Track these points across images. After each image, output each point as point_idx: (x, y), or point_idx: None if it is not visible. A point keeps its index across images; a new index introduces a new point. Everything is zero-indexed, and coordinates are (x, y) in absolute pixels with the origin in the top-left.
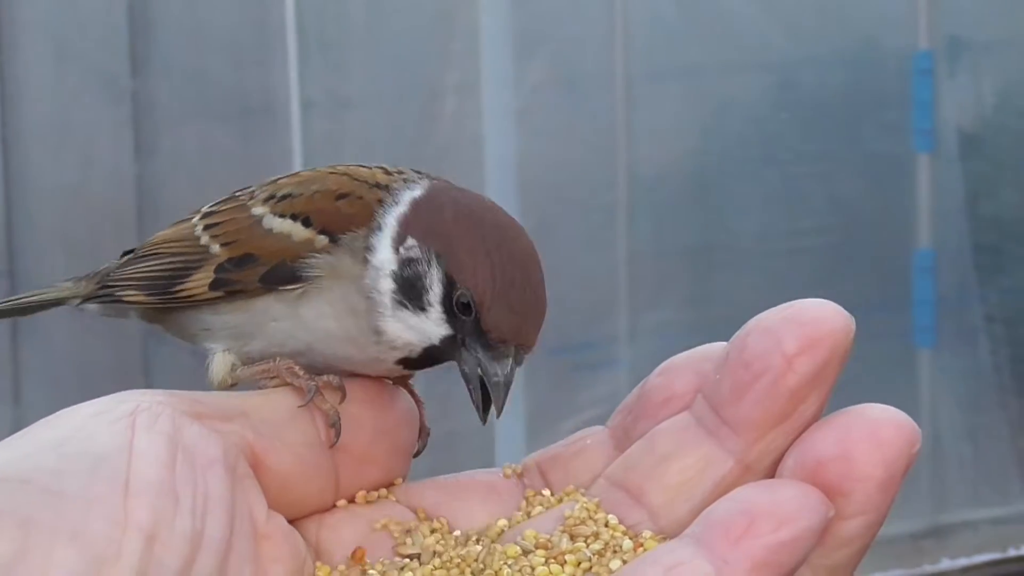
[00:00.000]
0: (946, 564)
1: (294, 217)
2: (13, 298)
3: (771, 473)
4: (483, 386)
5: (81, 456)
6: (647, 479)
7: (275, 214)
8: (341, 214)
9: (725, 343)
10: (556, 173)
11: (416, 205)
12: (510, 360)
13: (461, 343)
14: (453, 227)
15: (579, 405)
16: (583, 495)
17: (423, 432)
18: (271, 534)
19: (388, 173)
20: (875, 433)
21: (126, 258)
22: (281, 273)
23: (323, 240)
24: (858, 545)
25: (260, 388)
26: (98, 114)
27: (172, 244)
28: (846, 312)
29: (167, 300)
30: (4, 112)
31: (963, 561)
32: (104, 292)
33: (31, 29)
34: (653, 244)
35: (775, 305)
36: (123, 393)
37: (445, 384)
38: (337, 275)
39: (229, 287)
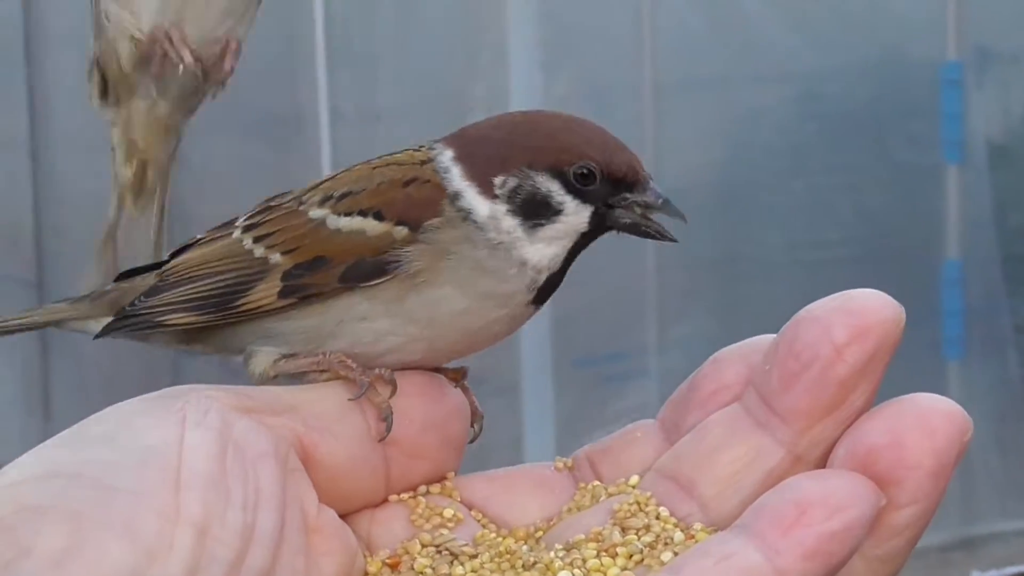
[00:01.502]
0: None
1: (363, 213)
2: (1, 319)
3: (822, 464)
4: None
5: (131, 450)
6: (697, 471)
7: (339, 214)
8: (413, 201)
9: (774, 335)
10: None
11: (461, 157)
12: (650, 183)
13: (608, 207)
14: (510, 141)
15: (608, 416)
16: (634, 487)
17: (476, 416)
18: (322, 528)
19: (418, 149)
20: (926, 421)
21: (141, 281)
22: (363, 269)
23: (402, 231)
24: (910, 534)
25: (306, 382)
26: None
27: (219, 262)
28: (896, 302)
29: (225, 316)
30: (33, 123)
31: (992, 573)
32: (134, 320)
33: (60, 41)
34: (681, 255)
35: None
36: (172, 388)
37: (478, 397)
38: (442, 255)
39: (302, 292)
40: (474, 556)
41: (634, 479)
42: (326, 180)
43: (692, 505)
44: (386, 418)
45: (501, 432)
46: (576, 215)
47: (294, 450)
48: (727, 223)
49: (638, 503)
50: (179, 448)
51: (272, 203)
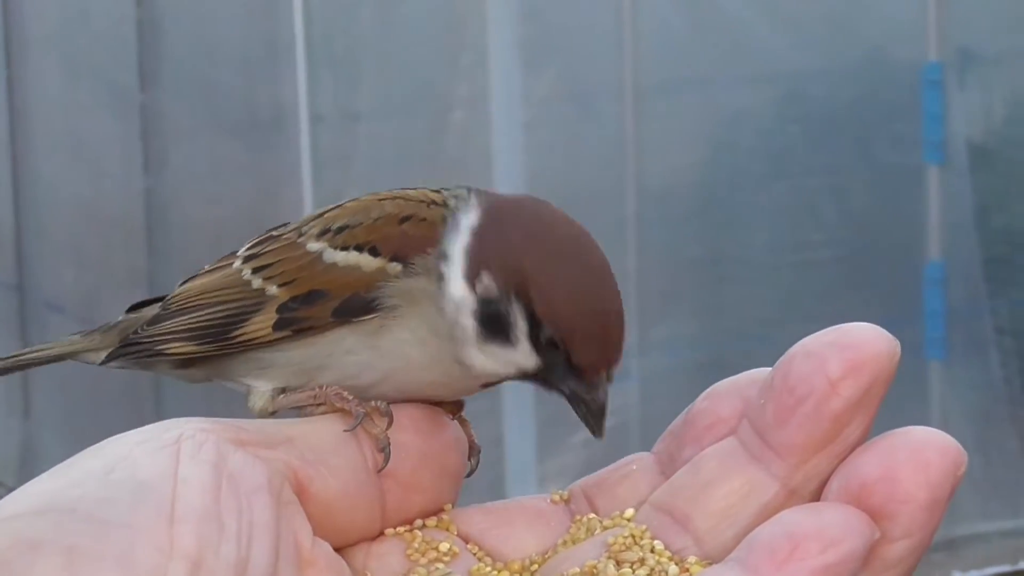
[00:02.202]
0: None
1: (359, 248)
2: (16, 354)
3: (816, 497)
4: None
5: (126, 484)
6: (692, 504)
7: (336, 247)
8: (408, 237)
9: (770, 368)
10: (565, 185)
11: (478, 233)
12: (604, 384)
13: (553, 371)
14: (523, 257)
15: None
16: (629, 520)
17: (474, 450)
18: (316, 561)
19: (436, 191)
20: (919, 455)
21: (147, 311)
22: (355, 304)
23: (396, 267)
24: (903, 568)
25: (304, 415)
26: (108, 128)
27: (217, 293)
28: (890, 336)
29: (222, 347)
30: (14, 126)
31: (974, 574)
32: (135, 349)
33: (41, 43)
34: (662, 257)
35: (785, 318)
36: (167, 422)
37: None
38: (414, 301)
39: (297, 325)
40: None
41: (629, 512)
42: (330, 209)
43: (687, 539)
44: (383, 449)
45: (482, 433)
46: (525, 358)
47: (289, 483)
48: (709, 224)
49: (633, 536)
50: (173, 482)
51: (275, 232)
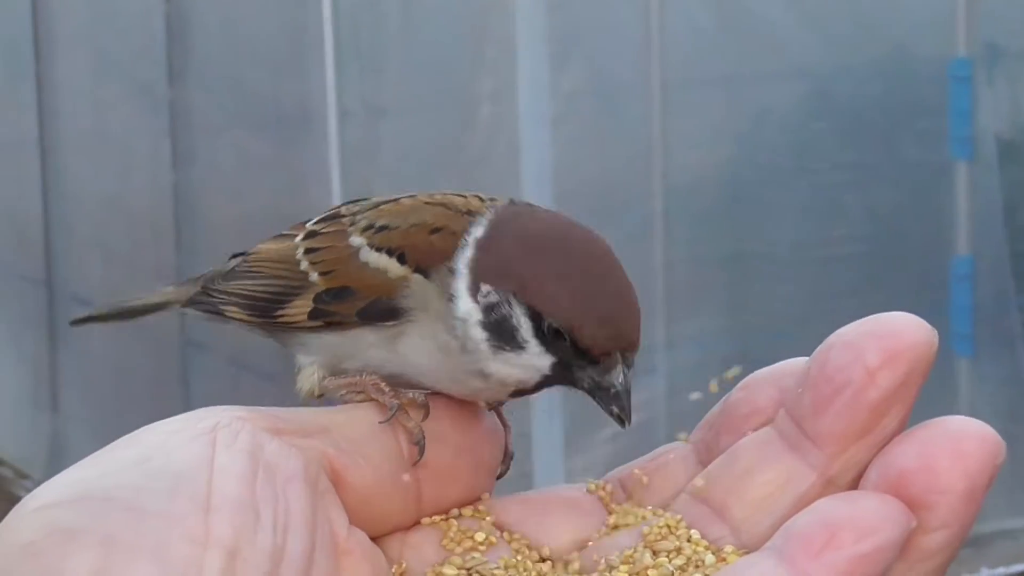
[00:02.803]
0: (985, 574)
1: (390, 252)
2: (118, 301)
3: (853, 487)
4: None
5: (162, 473)
6: (729, 494)
7: (372, 247)
8: (433, 249)
9: (807, 358)
10: (592, 181)
11: (480, 245)
12: (619, 367)
13: (569, 366)
14: (518, 260)
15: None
16: (665, 510)
17: (507, 456)
18: (352, 550)
19: (482, 200)
20: (957, 445)
21: (232, 263)
22: (378, 309)
23: (418, 278)
24: (941, 558)
25: (344, 402)
26: (136, 123)
27: (274, 265)
28: (928, 325)
29: (266, 322)
30: (42, 122)
31: (1001, 570)
32: (206, 301)
33: (69, 40)
34: (689, 252)
35: (811, 314)
36: (203, 410)
37: None
38: (427, 313)
39: (327, 318)
40: None
41: (664, 503)
42: (386, 202)
43: (723, 528)
44: (418, 442)
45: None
46: (538, 359)
47: (324, 472)
48: (735, 220)
49: (668, 526)
50: (209, 471)
51: (342, 210)
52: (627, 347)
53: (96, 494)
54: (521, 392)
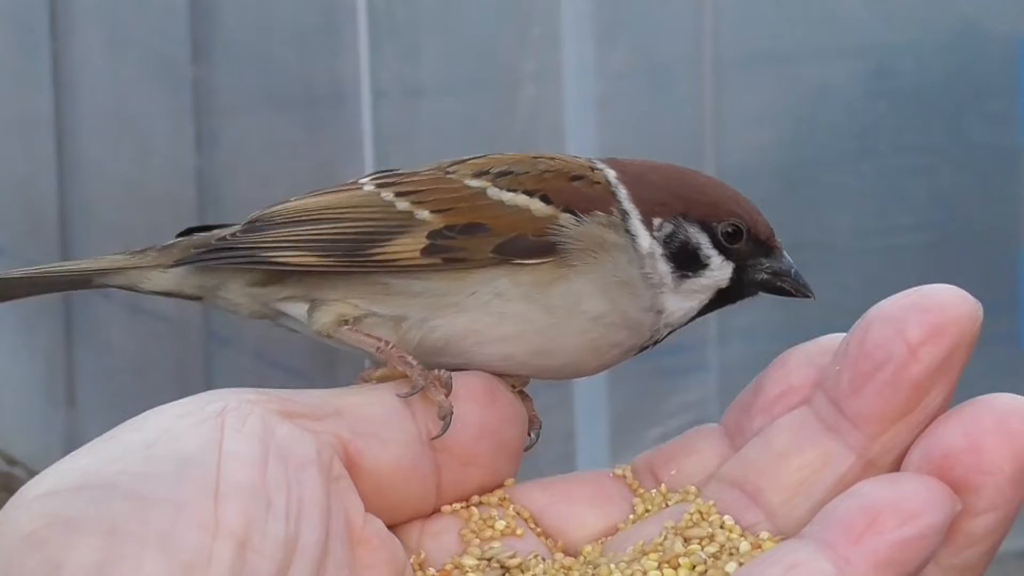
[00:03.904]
0: None
1: (528, 193)
2: (37, 268)
3: (895, 470)
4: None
5: (168, 459)
6: (764, 477)
7: (501, 188)
8: (582, 195)
9: (843, 334)
10: None
11: (628, 186)
12: (783, 251)
13: (745, 267)
14: (669, 189)
15: (666, 412)
16: (697, 495)
17: (534, 423)
18: (368, 539)
19: (577, 158)
20: (1005, 424)
21: (222, 232)
22: (522, 245)
23: (569, 218)
24: (989, 543)
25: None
26: (157, 103)
27: (349, 210)
28: (972, 298)
29: (352, 263)
30: (59, 101)
31: None
32: (230, 253)
33: (86, 14)
34: None
35: (871, 306)
36: (210, 392)
37: (529, 389)
38: (604, 252)
39: (451, 254)
40: (527, 570)
41: (695, 488)
42: (468, 159)
43: (758, 513)
44: (444, 417)
45: (553, 427)
46: (720, 271)
47: (339, 457)
48: (792, 207)
49: (700, 512)
50: (218, 456)
51: (395, 170)
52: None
53: (99, 481)
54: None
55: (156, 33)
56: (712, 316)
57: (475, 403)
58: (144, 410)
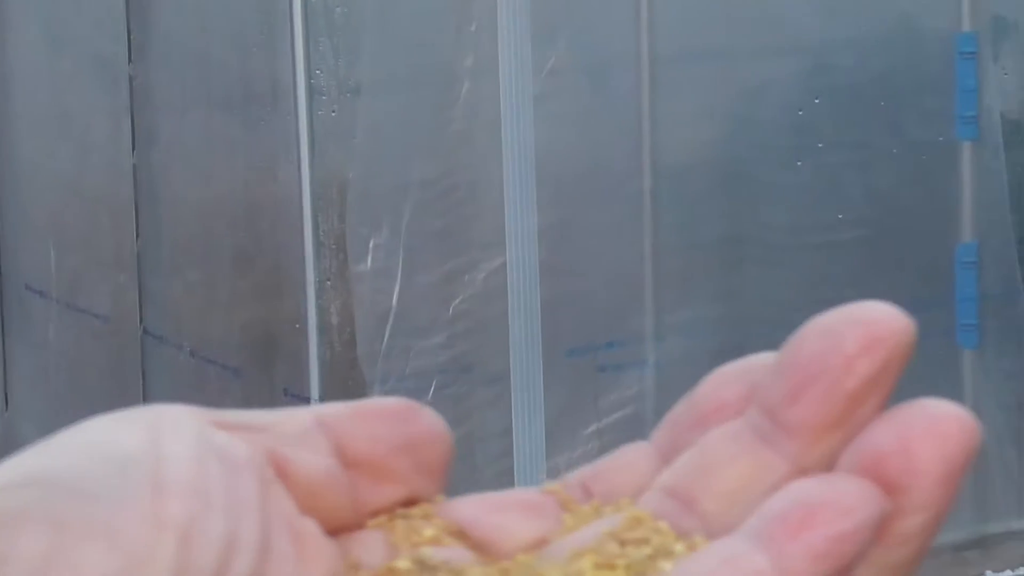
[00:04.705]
0: None
1: None
2: None
3: None
4: None
5: (109, 458)
6: (698, 487)
7: None
8: None
9: (776, 352)
10: (577, 162)
11: None
12: None
13: None
14: None
15: (603, 408)
16: (630, 504)
17: None
18: (306, 537)
19: None
20: (935, 427)
21: None
22: None
23: None
24: (918, 543)
25: None
26: (94, 101)
27: None
28: (906, 315)
29: None
30: None
31: (1008, 573)
32: None
33: (23, 11)
34: (680, 237)
35: (809, 302)
36: (143, 407)
37: (465, 385)
38: None
39: None
40: (463, 572)
41: (628, 499)
42: None
43: (693, 521)
44: None
45: (490, 423)
46: None
47: (269, 465)
48: (729, 203)
49: (635, 518)
50: (157, 456)
51: None
52: None
53: (43, 478)
54: None
55: (93, 31)
56: (648, 314)
57: (389, 421)
58: (80, 409)
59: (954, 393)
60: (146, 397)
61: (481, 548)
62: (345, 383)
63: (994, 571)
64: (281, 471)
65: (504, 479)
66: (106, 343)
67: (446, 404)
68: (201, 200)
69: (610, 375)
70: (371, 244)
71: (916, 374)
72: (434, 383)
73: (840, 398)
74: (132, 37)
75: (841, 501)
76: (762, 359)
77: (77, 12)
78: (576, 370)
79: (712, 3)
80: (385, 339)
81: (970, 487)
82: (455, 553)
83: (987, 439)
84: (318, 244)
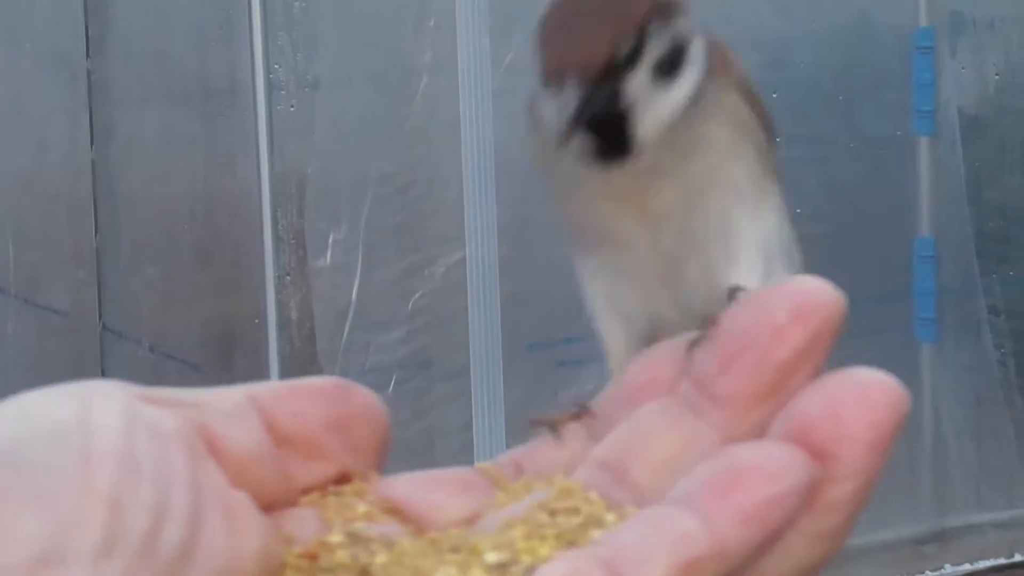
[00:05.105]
0: (949, 570)
1: None
2: None
3: None
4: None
5: (39, 429)
6: (629, 458)
7: None
8: None
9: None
10: None
11: None
12: (569, 89)
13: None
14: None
15: (564, 402)
16: (563, 479)
17: None
18: (237, 508)
19: None
20: (863, 395)
21: None
22: None
23: None
24: (848, 511)
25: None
26: (51, 97)
27: None
28: (838, 289)
29: None
30: None
31: (967, 567)
32: None
33: None
34: None
35: None
36: (75, 383)
37: (425, 380)
38: None
39: None
40: (395, 544)
41: (560, 475)
42: None
43: (625, 492)
44: None
45: (450, 418)
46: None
47: (200, 439)
48: None
49: (565, 489)
50: (87, 427)
51: None
52: (569, 63)
53: None
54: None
55: (50, 26)
56: None
57: (321, 399)
58: None
59: (912, 387)
60: None
61: (414, 524)
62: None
63: (953, 565)
64: (212, 446)
65: None
66: (65, 339)
67: (406, 399)
68: (160, 196)
69: (570, 369)
70: (330, 239)
71: (874, 368)
72: (394, 378)
73: (770, 368)
74: (90, 32)
75: (769, 466)
76: (691, 336)
77: (33, 7)
78: (536, 364)
79: None
80: (345, 334)
81: (929, 480)
82: (388, 528)
83: (945, 433)
84: (277, 240)
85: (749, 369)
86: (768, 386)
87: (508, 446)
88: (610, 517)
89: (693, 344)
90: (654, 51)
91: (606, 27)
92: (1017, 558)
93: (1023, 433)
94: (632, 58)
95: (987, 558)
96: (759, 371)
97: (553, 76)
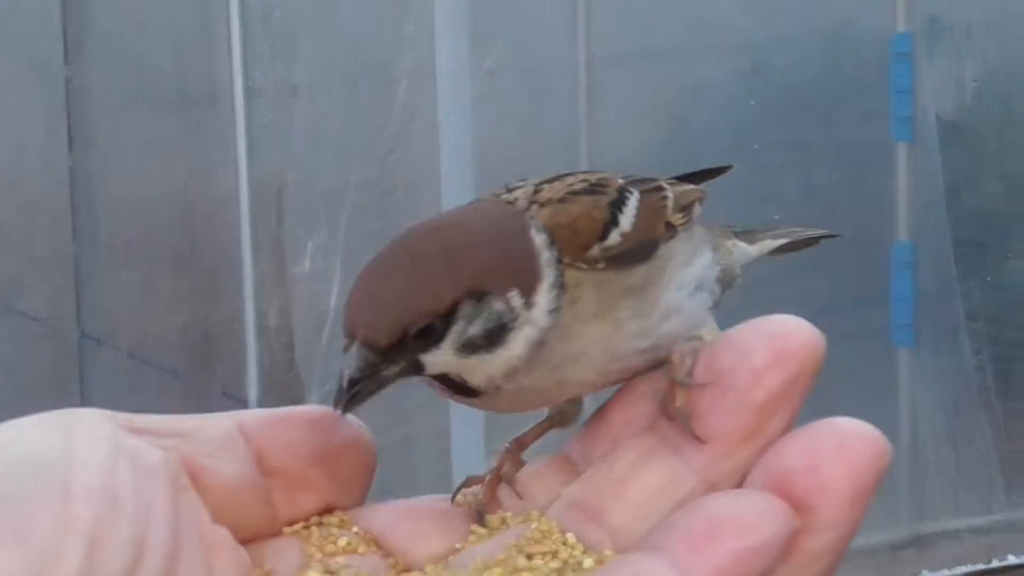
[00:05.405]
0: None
1: None
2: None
3: None
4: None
5: (20, 461)
6: (607, 499)
7: None
8: None
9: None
10: (515, 163)
11: None
12: (350, 353)
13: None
14: None
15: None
16: (539, 516)
17: None
18: (216, 544)
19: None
20: (843, 446)
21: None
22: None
23: None
24: (827, 561)
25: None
26: (30, 103)
27: None
28: (815, 328)
29: None
30: None
31: (944, 573)
32: None
33: None
34: None
35: (745, 303)
36: (61, 410)
37: (403, 387)
38: None
39: None
40: None
41: (536, 511)
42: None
43: (601, 533)
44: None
45: (428, 427)
46: None
47: (184, 471)
48: None
49: (542, 531)
50: (68, 459)
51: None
52: (350, 327)
53: None
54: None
55: (30, 32)
56: None
57: (308, 431)
58: (17, 412)
59: (889, 392)
60: (84, 399)
61: (393, 555)
62: (283, 384)
63: (930, 570)
64: (196, 478)
65: (442, 481)
66: (44, 345)
67: (384, 406)
68: (138, 202)
69: None
70: (309, 245)
71: (852, 374)
72: None
73: (749, 410)
74: (68, 38)
75: (747, 516)
76: (671, 377)
77: (12, 14)
78: None
79: (649, 5)
80: (323, 340)
81: (907, 486)
82: (366, 562)
83: (923, 439)
84: (256, 246)
85: (727, 411)
86: (747, 428)
87: (486, 453)
88: (588, 562)
89: (672, 385)
90: (463, 329)
91: (404, 306)
92: (994, 564)
93: (1001, 438)
94: (428, 336)
95: (965, 563)
96: (738, 413)
97: (346, 333)
